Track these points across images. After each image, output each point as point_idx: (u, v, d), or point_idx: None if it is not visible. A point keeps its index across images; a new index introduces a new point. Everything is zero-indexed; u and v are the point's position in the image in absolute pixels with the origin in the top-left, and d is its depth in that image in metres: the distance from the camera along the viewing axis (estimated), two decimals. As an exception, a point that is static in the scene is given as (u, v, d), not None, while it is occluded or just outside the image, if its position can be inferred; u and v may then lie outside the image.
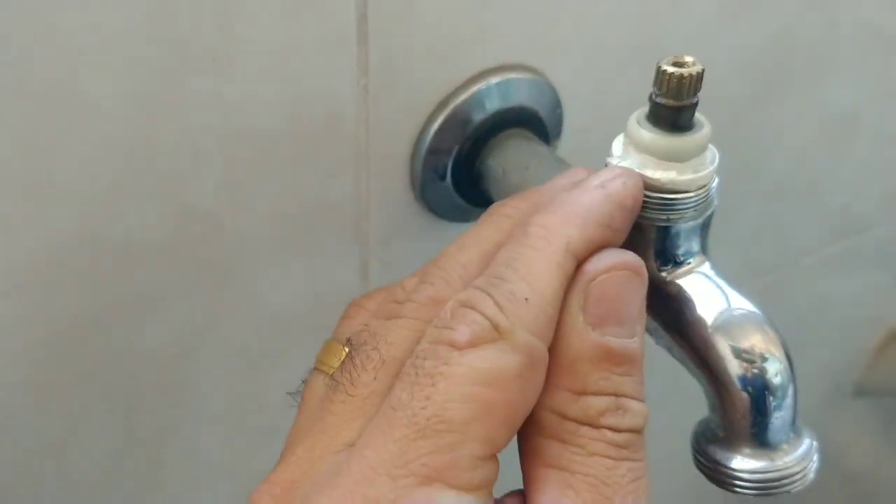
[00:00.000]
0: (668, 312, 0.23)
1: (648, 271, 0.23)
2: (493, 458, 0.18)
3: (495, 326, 0.18)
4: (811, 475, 0.22)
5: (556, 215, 0.20)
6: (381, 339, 0.20)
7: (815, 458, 0.22)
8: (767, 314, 0.23)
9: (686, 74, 0.21)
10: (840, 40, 0.38)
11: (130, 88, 0.21)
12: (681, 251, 0.23)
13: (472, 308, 0.18)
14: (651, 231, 0.22)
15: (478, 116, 0.28)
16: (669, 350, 0.23)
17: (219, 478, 0.32)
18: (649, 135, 0.21)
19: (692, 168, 0.22)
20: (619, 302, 0.20)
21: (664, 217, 0.22)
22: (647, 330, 0.24)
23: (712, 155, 0.22)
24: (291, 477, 0.18)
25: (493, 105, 0.28)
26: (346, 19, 0.23)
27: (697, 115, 0.22)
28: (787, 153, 0.41)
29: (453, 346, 0.18)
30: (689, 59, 0.21)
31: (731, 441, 0.22)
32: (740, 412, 0.22)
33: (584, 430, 0.18)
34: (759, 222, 0.44)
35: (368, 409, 0.18)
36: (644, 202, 0.22)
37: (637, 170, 0.22)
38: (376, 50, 0.25)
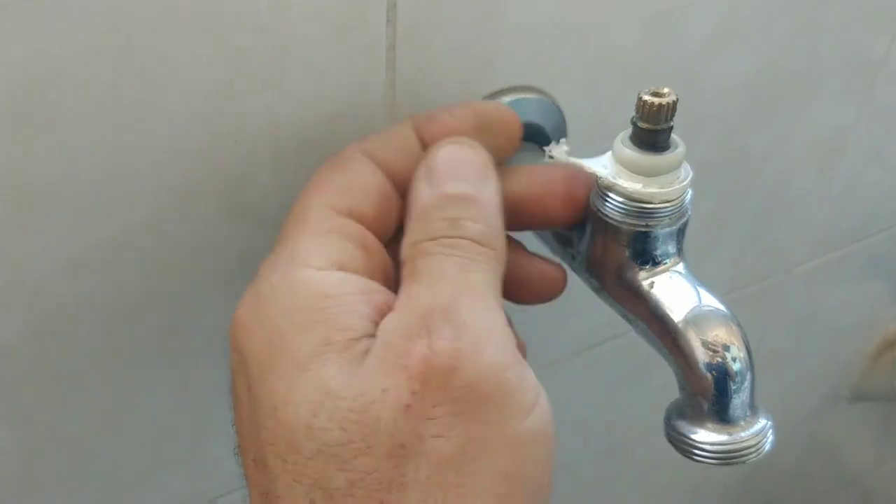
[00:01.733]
0: (647, 305, 0.26)
1: (631, 270, 0.26)
2: (342, 216, 0.23)
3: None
4: (766, 449, 0.26)
5: None
6: None
7: (770, 435, 0.26)
8: (732, 311, 0.26)
9: (662, 103, 0.24)
10: (825, 65, 0.41)
11: (200, 103, 0.25)
12: (658, 252, 0.26)
13: None
14: (633, 235, 0.26)
15: (490, 131, 0.31)
16: (646, 338, 0.27)
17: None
18: (631, 153, 0.25)
19: (668, 182, 0.25)
20: (453, 164, 0.24)
21: (643, 223, 0.25)
22: (628, 319, 0.27)
23: (686, 171, 0.26)
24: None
25: (504, 121, 0.32)
26: (377, 48, 0.27)
27: (674, 136, 0.25)
28: (777, 169, 0.44)
29: None
30: (665, 90, 0.24)
31: (696, 418, 0.26)
32: (705, 393, 0.25)
33: (426, 244, 0.22)
34: (752, 232, 0.47)
35: None
36: (626, 210, 0.26)
37: (621, 183, 0.25)
38: (402, 73, 0.29)
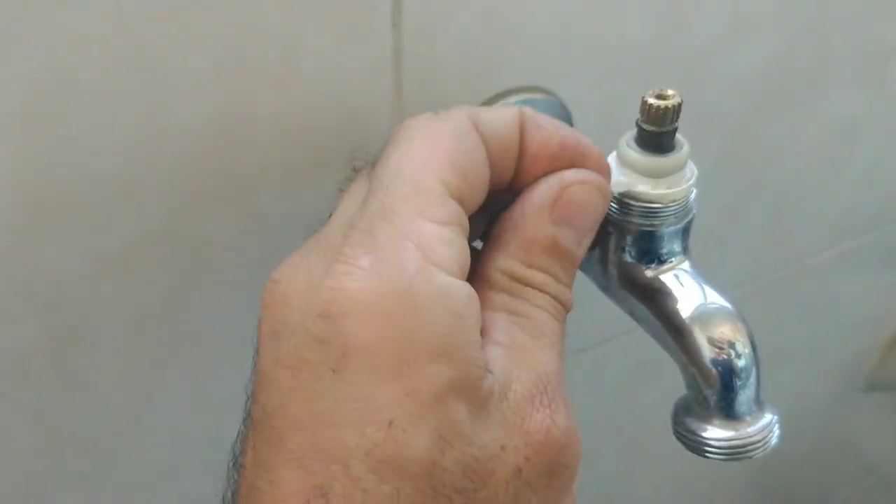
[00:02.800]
0: (653, 303, 0.27)
1: (636, 269, 0.27)
2: (456, 203, 0.21)
3: (435, 114, 0.23)
4: (772, 443, 0.26)
5: None
6: None
7: (776, 429, 0.26)
8: (738, 308, 0.26)
9: (668, 105, 0.24)
10: (837, 56, 0.41)
11: (211, 112, 0.26)
12: (664, 251, 0.27)
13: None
14: (639, 234, 0.26)
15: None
16: (653, 335, 0.27)
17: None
18: (636, 155, 0.25)
19: (673, 183, 0.26)
20: (582, 211, 0.24)
21: (649, 223, 0.26)
22: (635, 317, 0.28)
23: (690, 171, 0.26)
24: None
25: (511, 121, 0.32)
26: (383, 52, 0.28)
27: (678, 136, 0.26)
28: (790, 160, 0.44)
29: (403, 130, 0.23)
30: (670, 92, 0.25)
31: (703, 414, 0.26)
32: (711, 389, 0.26)
33: (530, 290, 0.22)
34: (765, 224, 0.47)
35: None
36: (632, 210, 0.26)
37: (627, 184, 0.26)
38: (409, 76, 0.29)
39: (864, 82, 0.43)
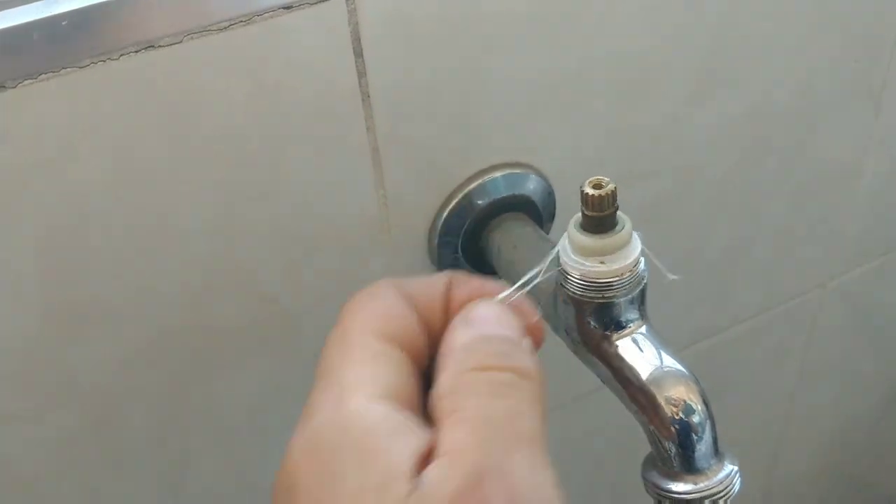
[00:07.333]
0: (615, 367, 0.29)
1: (597, 336, 0.29)
2: (383, 341, 0.23)
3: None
4: (735, 491, 0.28)
5: None
6: None
7: (736, 480, 0.28)
8: (690, 370, 0.28)
9: (604, 193, 0.27)
10: (822, 96, 0.42)
11: (211, 216, 0.30)
12: (622, 319, 0.29)
13: None
14: (595, 306, 0.29)
15: (479, 204, 0.35)
16: (617, 395, 0.29)
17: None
18: (583, 238, 0.28)
19: (620, 258, 0.28)
20: (494, 316, 0.25)
21: (600, 296, 0.28)
22: (602, 379, 0.30)
23: (635, 244, 0.28)
24: None
25: (491, 195, 0.35)
26: (362, 153, 0.31)
27: (620, 215, 0.28)
28: (787, 196, 0.45)
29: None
30: (605, 180, 0.27)
31: (667, 469, 0.28)
32: (672, 445, 0.28)
33: (472, 374, 0.22)
34: (774, 256, 0.48)
35: None
36: (585, 286, 0.28)
37: (577, 264, 0.28)
38: (388, 169, 0.32)
39: (856, 115, 0.44)
